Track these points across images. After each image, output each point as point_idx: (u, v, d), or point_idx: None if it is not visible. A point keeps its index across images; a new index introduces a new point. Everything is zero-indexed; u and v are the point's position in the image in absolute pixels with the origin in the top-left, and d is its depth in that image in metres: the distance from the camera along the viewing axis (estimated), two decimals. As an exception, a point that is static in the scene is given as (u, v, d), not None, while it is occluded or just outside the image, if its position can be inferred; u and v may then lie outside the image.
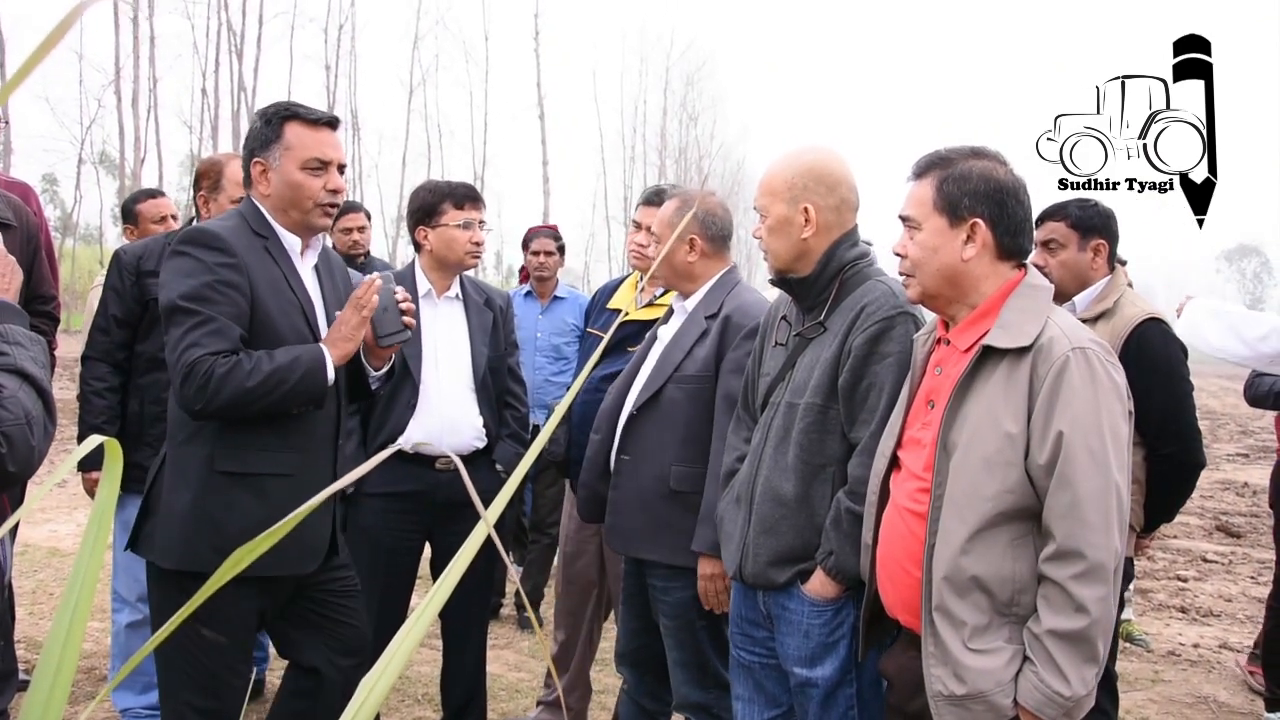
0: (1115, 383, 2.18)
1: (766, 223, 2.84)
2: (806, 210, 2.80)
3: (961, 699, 2.18)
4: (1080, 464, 2.09)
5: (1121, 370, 2.23)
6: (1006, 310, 2.27)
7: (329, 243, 3.35)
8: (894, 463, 2.48)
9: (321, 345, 2.81)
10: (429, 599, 0.74)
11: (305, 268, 2.96)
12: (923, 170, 2.39)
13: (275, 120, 2.86)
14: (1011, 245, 2.33)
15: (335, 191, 2.89)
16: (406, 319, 2.99)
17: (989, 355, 2.24)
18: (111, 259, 4.15)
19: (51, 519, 7.97)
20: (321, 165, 2.85)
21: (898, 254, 2.42)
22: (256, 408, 2.69)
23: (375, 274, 2.94)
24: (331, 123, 2.93)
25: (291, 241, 2.90)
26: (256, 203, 2.88)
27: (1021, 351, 2.20)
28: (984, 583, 2.18)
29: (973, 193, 2.30)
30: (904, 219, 2.41)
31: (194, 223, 4.02)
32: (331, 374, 2.79)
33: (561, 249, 6.30)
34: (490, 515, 0.73)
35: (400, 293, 2.97)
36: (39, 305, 4.10)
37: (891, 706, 2.53)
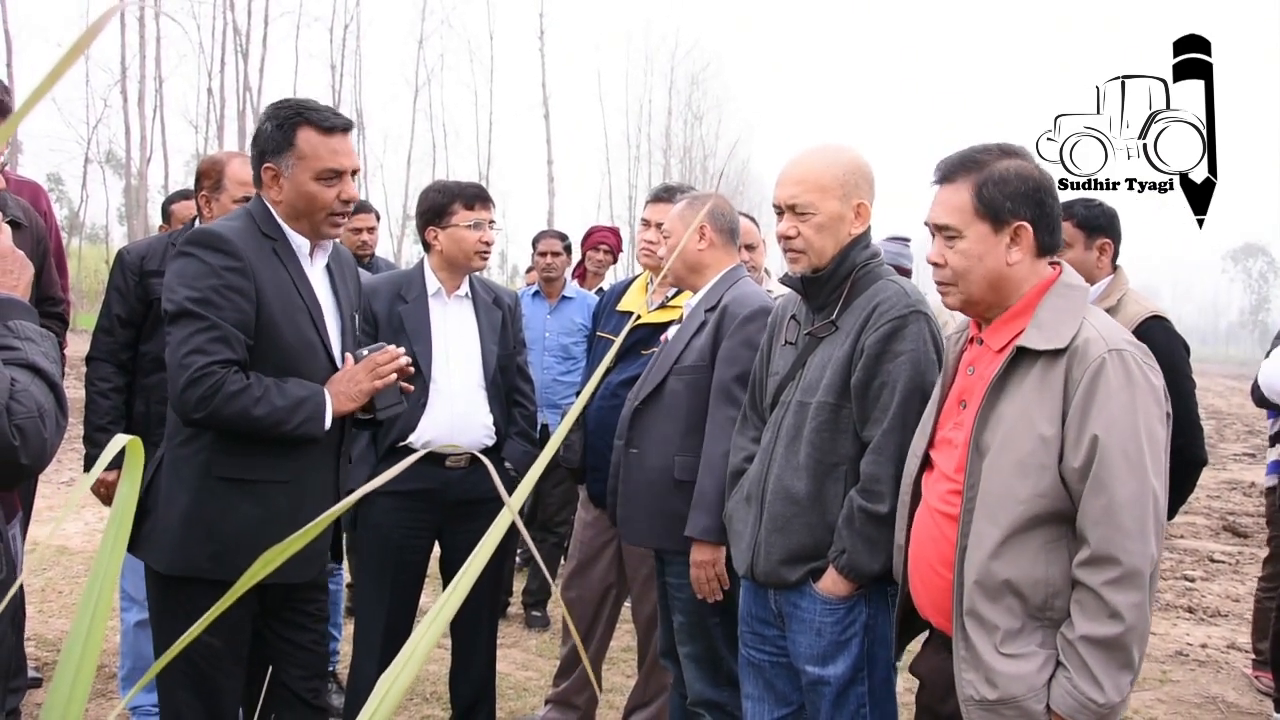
0: (1152, 385, 2.13)
1: (814, 220, 2.78)
2: (860, 207, 2.81)
3: (993, 704, 2.15)
4: (1116, 469, 2.05)
5: (1159, 373, 2.17)
6: (1042, 310, 2.22)
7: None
8: (925, 463, 2.44)
9: (326, 394, 2.79)
10: (447, 595, 0.74)
11: (315, 270, 2.93)
12: (952, 173, 2.31)
13: (288, 125, 2.78)
14: (1049, 243, 2.28)
15: (348, 201, 2.85)
16: (404, 385, 2.99)
17: (1023, 356, 2.19)
18: (115, 259, 4.15)
19: (59, 517, 7.98)
20: (336, 175, 2.80)
21: (934, 263, 2.33)
22: (249, 433, 2.68)
23: (397, 350, 2.94)
24: (346, 128, 2.85)
25: (300, 243, 2.87)
26: (267, 203, 2.84)
27: (1056, 353, 2.15)
28: (1016, 586, 2.15)
29: (1014, 195, 2.23)
30: (941, 228, 2.31)
31: (197, 223, 4.02)
32: (328, 424, 2.78)
33: (568, 249, 6.33)
34: (513, 504, 0.73)
35: (403, 358, 2.95)
36: (48, 307, 4.10)
37: (923, 707, 2.50)
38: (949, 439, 2.37)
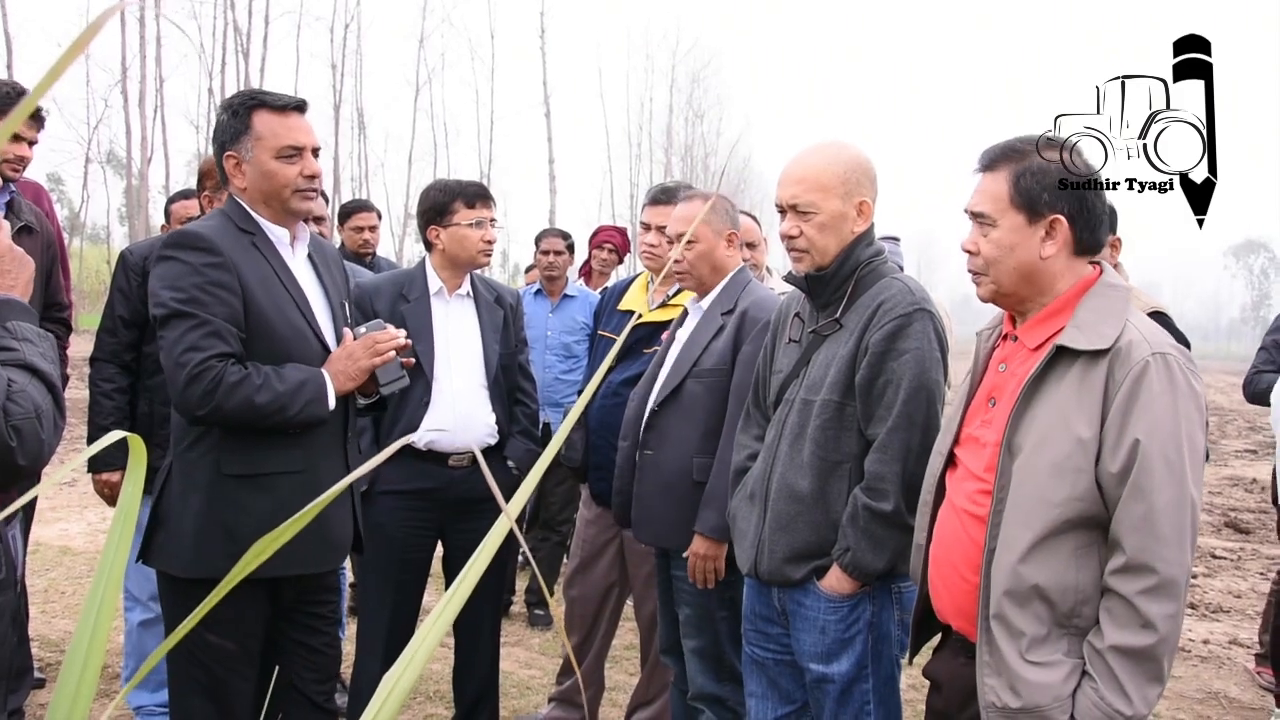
0: (1195, 391, 2.07)
1: (816, 219, 2.77)
2: (862, 205, 2.81)
3: (1016, 712, 2.09)
4: (1156, 474, 1.99)
5: (1200, 378, 2.12)
6: (1082, 310, 2.16)
7: (338, 239, 3.34)
8: (950, 461, 2.39)
9: (325, 375, 2.80)
10: (449, 595, 0.74)
11: (298, 259, 2.94)
12: (994, 162, 2.26)
13: (243, 111, 2.81)
14: (1090, 241, 2.22)
15: (312, 177, 2.85)
16: (405, 360, 3.00)
17: (1062, 355, 2.13)
18: (117, 260, 4.15)
19: (62, 518, 8.00)
20: (295, 152, 2.81)
21: (968, 251, 2.29)
22: (255, 425, 2.69)
23: (397, 330, 2.97)
24: (300, 107, 2.87)
25: (279, 234, 2.87)
26: (237, 198, 2.85)
27: (1098, 354, 2.09)
28: (1045, 592, 2.09)
29: (1053, 188, 2.18)
30: (976, 215, 2.26)
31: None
32: (332, 404, 2.79)
33: (571, 248, 6.33)
34: (511, 509, 0.74)
35: (401, 338, 2.97)
36: (55, 313, 4.11)
37: (937, 712, 2.44)
38: (976, 437, 2.31)
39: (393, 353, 2.91)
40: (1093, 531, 2.09)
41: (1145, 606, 1.98)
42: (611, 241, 6.68)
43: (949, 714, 2.37)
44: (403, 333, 2.98)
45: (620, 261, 6.83)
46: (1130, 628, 2.00)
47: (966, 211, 2.30)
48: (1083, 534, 2.09)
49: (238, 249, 2.75)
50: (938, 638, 2.52)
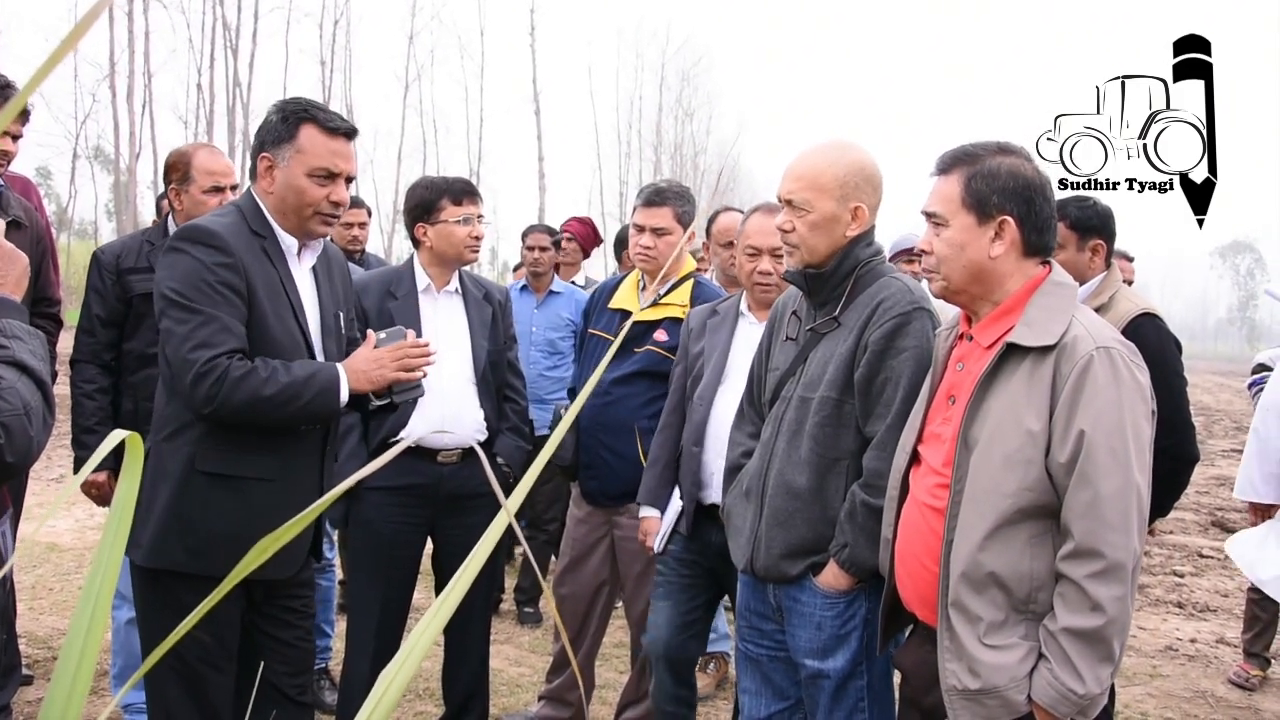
0: (1139, 383, 2.17)
1: (809, 218, 2.78)
2: (857, 210, 2.80)
3: (975, 694, 2.19)
4: (1101, 463, 2.09)
5: (1146, 371, 2.22)
6: (1031, 308, 2.27)
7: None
8: (914, 458, 2.48)
9: (339, 368, 2.77)
10: (445, 594, 0.74)
11: (302, 270, 2.92)
12: (948, 166, 2.37)
13: (292, 119, 2.78)
14: (1038, 242, 2.33)
15: (337, 204, 2.83)
16: (426, 363, 2.96)
17: (1012, 352, 2.24)
18: (91, 260, 4.09)
19: (46, 514, 7.95)
20: (330, 176, 2.79)
21: (923, 250, 2.41)
22: (266, 418, 2.66)
23: (423, 341, 2.96)
24: (350, 133, 2.85)
25: (289, 243, 2.85)
26: (257, 198, 2.83)
27: (1045, 349, 2.19)
28: (1001, 579, 2.19)
29: (1001, 190, 2.29)
30: (930, 215, 2.38)
31: (169, 217, 4.00)
32: (345, 399, 2.76)
33: (557, 244, 6.32)
34: (511, 504, 0.74)
35: (429, 350, 2.95)
36: (45, 308, 4.08)
37: (906, 700, 2.54)
38: (937, 434, 2.41)
39: (422, 373, 2.90)
40: (1046, 521, 2.19)
41: (1094, 589, 2.08)
42: (570, 230, 6.68)
43: (916, 700, 2.46)
44: (428, 343, 2.95)
45: (586, 255, 6.82)
46: (1080, 610, 2.09)
47: (922, 212, 2.42)
48: (1037, 523, 2.19)
49: (249, 252, 2.73)
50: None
